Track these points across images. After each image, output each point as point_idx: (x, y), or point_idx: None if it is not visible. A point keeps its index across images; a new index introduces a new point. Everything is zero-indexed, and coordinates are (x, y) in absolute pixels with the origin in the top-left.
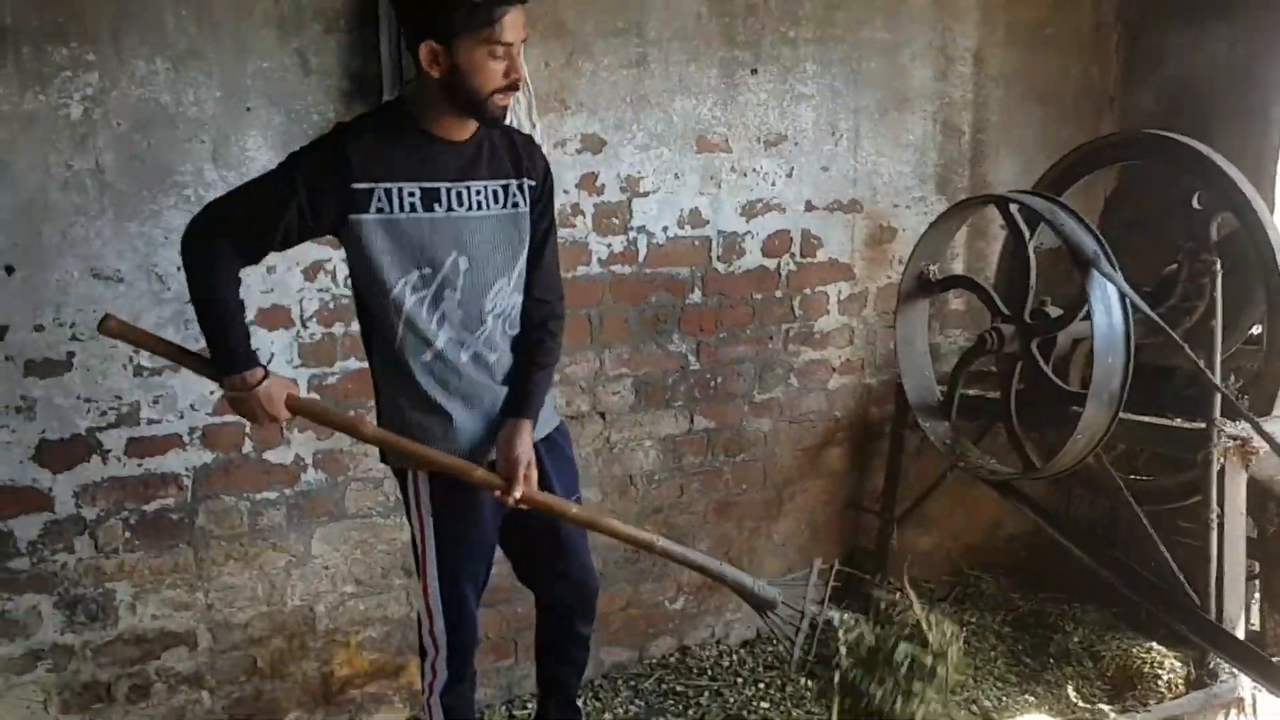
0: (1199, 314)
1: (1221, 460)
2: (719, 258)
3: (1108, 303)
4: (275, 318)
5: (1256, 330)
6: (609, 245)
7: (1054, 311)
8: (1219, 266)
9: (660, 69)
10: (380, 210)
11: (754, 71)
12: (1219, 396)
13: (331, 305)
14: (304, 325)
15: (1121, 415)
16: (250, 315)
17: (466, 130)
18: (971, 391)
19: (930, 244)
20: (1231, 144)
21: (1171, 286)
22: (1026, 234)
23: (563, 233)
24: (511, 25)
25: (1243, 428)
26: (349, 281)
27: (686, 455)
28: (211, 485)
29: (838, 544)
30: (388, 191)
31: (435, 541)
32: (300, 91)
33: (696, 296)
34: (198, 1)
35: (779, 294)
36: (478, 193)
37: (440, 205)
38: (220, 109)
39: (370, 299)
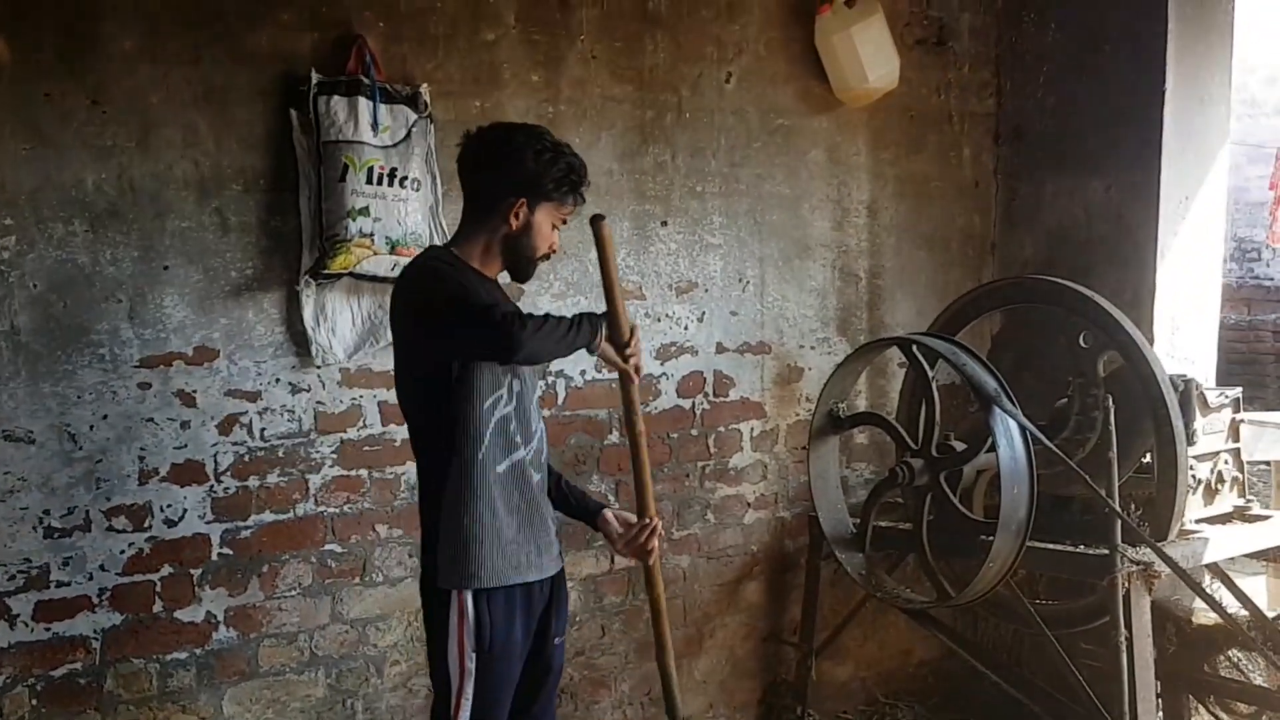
0: (1092, 445)
1: (1126, 585)
2: None
3: (1010, 436)
4: (188, 473)
5: (1147, 459)
6: None
7: (959, 445)
8: (1110, 401)
9: (575, 221)
10: None
11: (664, 224)
12: (1120, 523)
13: (247, 458)
14: (218, 480)
15: (1028, 543)
16: (164, 471)
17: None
18: (883, 523)
19: (839, 383)
20: (1108, 286)
21: (1065, 420)
22: (930, 373)
23: None
24: (574, 211)
25: (1144, 553)
26: (425, 403)
27: (608, 595)
28: (121, 647)
29: (758, 678)
30: None
31: (476, 665)
32: (219, 249)
33: (615, 437)
34: (118, 164)
35: (694, 432)
36: None
37: None
38: (138, 268)
39: (462, 413)
